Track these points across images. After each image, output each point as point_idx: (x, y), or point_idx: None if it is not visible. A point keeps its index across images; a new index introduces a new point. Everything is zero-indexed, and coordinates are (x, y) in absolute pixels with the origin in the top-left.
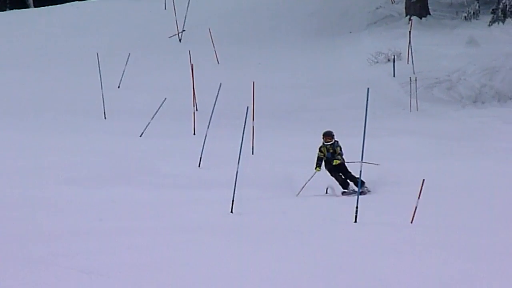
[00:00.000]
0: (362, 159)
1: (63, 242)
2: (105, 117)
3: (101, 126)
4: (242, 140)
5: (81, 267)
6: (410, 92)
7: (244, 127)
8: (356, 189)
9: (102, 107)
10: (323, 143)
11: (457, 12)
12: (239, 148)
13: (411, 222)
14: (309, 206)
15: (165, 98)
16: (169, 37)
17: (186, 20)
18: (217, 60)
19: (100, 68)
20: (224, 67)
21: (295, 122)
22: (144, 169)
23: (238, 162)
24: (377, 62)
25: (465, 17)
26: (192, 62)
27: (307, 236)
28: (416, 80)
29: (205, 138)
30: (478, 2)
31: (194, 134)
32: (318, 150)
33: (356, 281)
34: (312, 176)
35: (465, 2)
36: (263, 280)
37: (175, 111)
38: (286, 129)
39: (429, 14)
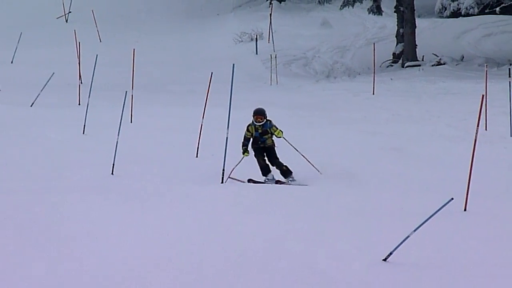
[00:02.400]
0: (228, 128)
1: None
2: None
3: None
4: (123, 109)
5: None
6: (271, 68)
7: (125, 99)
8: (290, 180)
9: None
10: (252, 122)
11: None
12: (120, 117)
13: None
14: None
15: (53, 73)
16: (57, 18)
17: (72, 2)
18: (100, 38)
19: None
20: (105, 45)
21: (168, 94)
22: (33, 135)
23: (119, 130)
24: (242, 41)
25: (319, 1)
26: (77, 40)
27: (181, 196)
28: (276, 57)
29: (87, 107)
30: None
31: (79, 104)
32: (246, 129)
33: (223, 235)
34: (239, 162)
35: None
36: (142, 235)
37: (62, 83)
38: (160, 100)
39: None
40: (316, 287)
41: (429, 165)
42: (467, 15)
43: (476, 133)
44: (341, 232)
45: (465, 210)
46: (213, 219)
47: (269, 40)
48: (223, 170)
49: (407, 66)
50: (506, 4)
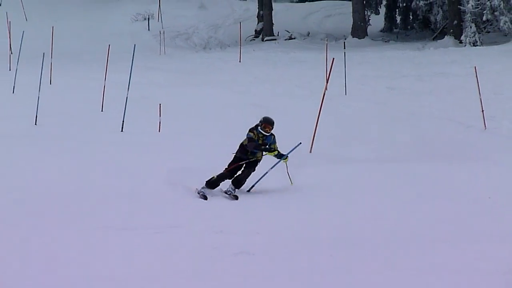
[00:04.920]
0: (128, 89)
1: None
2: None
3: None
4: (41, 73)
5: None
6: (160, 41)
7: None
8: (224, 190)
9: None
10: (257, 127)
11: None
12: (39, 79)
13: (159, 131)
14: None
15: None
16: None
17: None
18: (26, 18)
19: None
20: (31, 23)
21: (80, 62)
22: None
23: (39, 89)
24: (137, 20)
25: None
26: (8, 20)
27: (88, 140)
28: (164, 33)
29: (16, 72)
30: None
31: (10, 70)
32: (249, 132)
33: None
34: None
35: None
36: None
37: None
38: (75, 67)
39: None
40: None
41: (282, 117)
42: (312, 0)
43: (324, 92)
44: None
45: (310, 152)
46: (113, 159)
47: (158, 19)
48: (123, 120)
49: (266, 40)
50: None
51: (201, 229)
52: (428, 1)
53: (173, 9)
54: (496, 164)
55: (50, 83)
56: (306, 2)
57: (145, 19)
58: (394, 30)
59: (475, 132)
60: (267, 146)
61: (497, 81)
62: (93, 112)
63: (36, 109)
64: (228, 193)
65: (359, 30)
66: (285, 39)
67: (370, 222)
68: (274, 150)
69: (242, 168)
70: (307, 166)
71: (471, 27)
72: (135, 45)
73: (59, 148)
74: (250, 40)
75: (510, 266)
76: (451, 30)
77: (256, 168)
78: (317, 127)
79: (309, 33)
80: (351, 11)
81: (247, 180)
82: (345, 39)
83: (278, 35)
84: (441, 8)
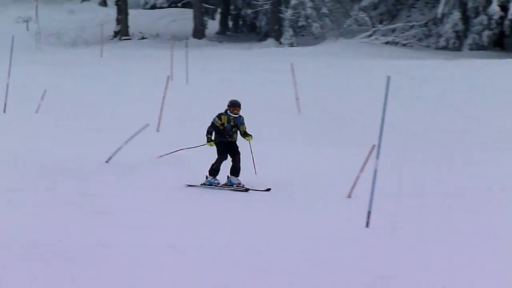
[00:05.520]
0: (8, 77)
1: None
2: None
3: None
4: None
5: None
6: (36, 39)
7: None
8: (234, 182)
9: None
10: (226, 112)
11: None
12: None
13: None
14: None
15: None
16: None
17: None
18: None
19: None
20: None
21: None
22: None
23: None
24: (18, 22)
25: None
26: None
27: None
28: (40, 33)
29: None
30: None
31: None
32: (216, 117)
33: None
34: (197, 146)
35: None
36: None
37: None
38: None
39: None
40: None
41: (135, 102)
42: (161, 7)
43: (167, 82)
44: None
45: (158, 130)
46: None
47: (36, 22)
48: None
49: (122, 39)
50: (185, 1)
51: None
52: (255, 10)
53: (47, 13)
54: (308, 143)
55: None
56: (156, 9)
57: (25, 21)
58: (227, 33)
59: (291, 116)
60: (236, 127)
61: (309, 75)
62: None
63: None
64: (237, 186)
65: (199, 32)
66: (138, 39)
67: None
68: (240, 130)
69: (232, 157)
70: (153, 144)
71: (288, 31)
72: (13, 36)
73: None
74: (110, 39)
75: None
76: (273, 34)
77: (238, 148)
78: (162, 110)
79: (158, 34)
80: (192, 16)
81: (239, 156)
82: (187, 39)
83: (132, 35)
84: (265, 15)
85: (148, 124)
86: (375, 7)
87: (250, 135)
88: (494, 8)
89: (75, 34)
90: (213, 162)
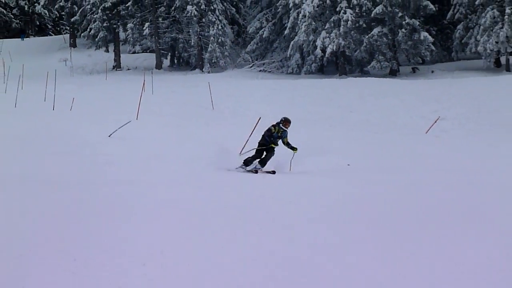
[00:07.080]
0: (54, 90)
1: None
2: None
3: None
4: None
5: None
6: (70, 71)
7: None
8: (258, 167)
9: None
10: (278, 125)
11: None
12: None
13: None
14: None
15: None
16: None
17: None
18: None
19: None
20: None
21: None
22: None
23: None
24: (60, 61)
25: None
26: None
27: None
28: (72, 67)
29: None
30: None
31: None
32: (271, 126)
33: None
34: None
35: None
36: None
37: None
38: (32, 82)
39: None
40: None
41: (125, 103)
42: (138, 52)
43: (142, 92)
44: None
45: (136, 119)
46: None
47: (70, 61)
48: (54, 103)
49: (117, 70)
50: (152, 49)
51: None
52: (189, 53)
53: (76, 56)
54: (221, 127)
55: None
56: (136, 53)
57: (63, 60)
58: (174, 66)
59: (207, 111)
60: (278, 138)
61: (218, 88)
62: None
63: None
64: (254, 170)
65: (159, 65)
66: (126, 70)
67: None
68: (284, 141)
69: (265, 153)
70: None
71: (207, 65)
72: (55, 70)
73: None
74: (111, 70)
75: None
76: (199, 66)
77: (274, 153)
78: (139, 107)
79: (136, 67)
80: (155, 57)
81: (269, 161)
82: (153, 70)
83: (122, 68)
84: (194, 56)
85: (130, 121)
86: (254, 51)
87: (296, 148)
88: (318, 51)
89: (91, 67)
90: (249, 156)
